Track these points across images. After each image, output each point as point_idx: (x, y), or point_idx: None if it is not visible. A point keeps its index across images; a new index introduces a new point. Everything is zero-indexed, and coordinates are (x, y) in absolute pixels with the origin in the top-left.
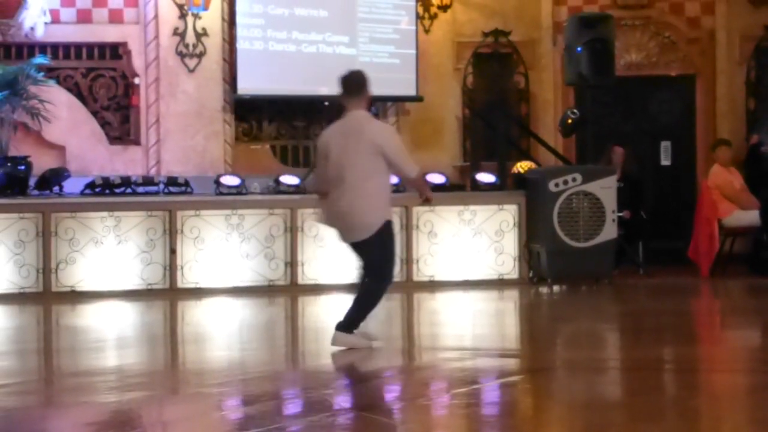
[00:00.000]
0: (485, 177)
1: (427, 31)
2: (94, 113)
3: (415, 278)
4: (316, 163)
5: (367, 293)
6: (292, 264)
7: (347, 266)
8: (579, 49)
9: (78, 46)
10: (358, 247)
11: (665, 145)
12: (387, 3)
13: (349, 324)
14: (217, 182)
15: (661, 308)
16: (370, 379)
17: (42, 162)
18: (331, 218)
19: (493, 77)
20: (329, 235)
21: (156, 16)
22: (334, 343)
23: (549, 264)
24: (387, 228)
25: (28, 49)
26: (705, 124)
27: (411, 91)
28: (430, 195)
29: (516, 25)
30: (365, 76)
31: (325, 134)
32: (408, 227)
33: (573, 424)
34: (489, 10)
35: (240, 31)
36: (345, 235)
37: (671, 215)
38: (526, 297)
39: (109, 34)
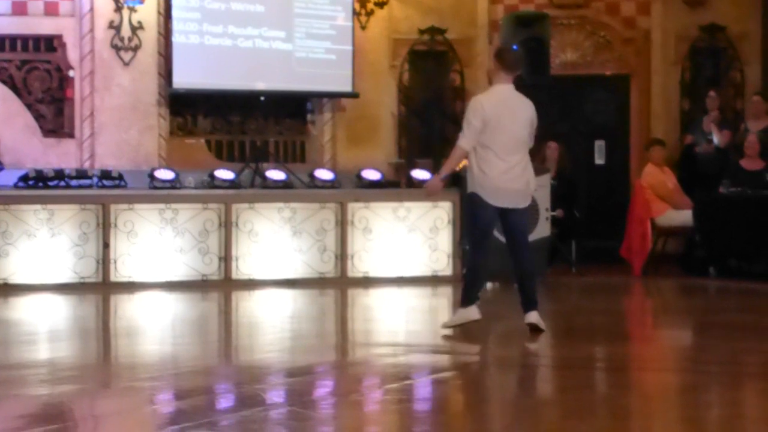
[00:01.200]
0: (420, 174)
1: (363, 28)
2: (28, 106)
3: (350, 274)
4: (472, 127)
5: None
6: (226, 259)
7: (281, 262)
8: (515, 47)
9: (12, 38)
10: (518, 213)
11: (599, 145)
12: None
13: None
14: (152, 176)
15: (593, 307)
16: (303, 375)
17: None
18: (502, 182)
19: (428, 74)
20: (264, 230)
21: (91, 9)
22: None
23: None
24: None
25: None
26: (639, 124)
27: (347, 88)
28: None
29: (452, 23)
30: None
31: (484, 103)
32: (343, 223)
33: (504, 421)
34: (425, 7)
35: (176, 25)
36: (514, 200)
37: (605, 214)
38: (459, 294)
39: (44, 26)
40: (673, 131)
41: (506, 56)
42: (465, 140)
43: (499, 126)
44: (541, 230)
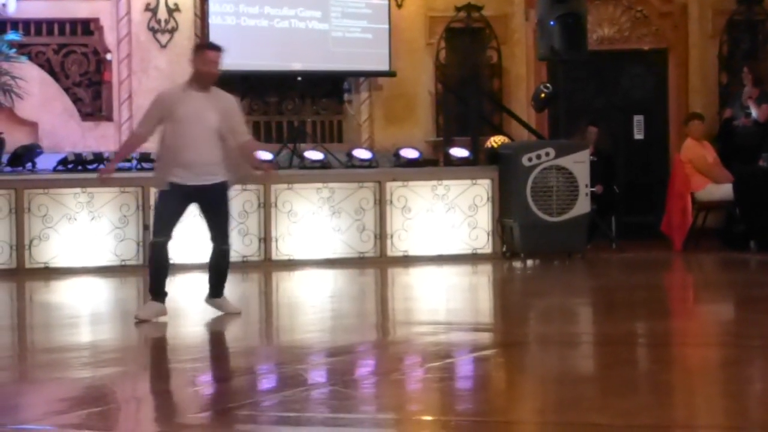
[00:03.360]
0: (458, 152)
1: (399, 6)
2: (66, 89)
3: (389, 253)
4: None
5: None
6: (265, 239)
7: (320, 242)
8: (551, 23)
9: (50, 22)
10: None
11: (638, 120)
12: None
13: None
14: None
15: (633, 282)
16: (344, 354)
17: (14, 138)
18: None
19: (465, 52)
20: (302, 210)
21: None
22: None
23: (522, 238)
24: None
25: (0, 25)
26: (677, 99)
27: (384, 66)
28: None
29: (488, 0)
30: None
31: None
32: (381, 202)
33: (545, 398)
34: None
35: (212, 7)
36: None
37: (644, 189)
38: (500, 271)
39: (81, 9)
40: (711, 105)
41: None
42: (137, 128)
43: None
44: (581, 206)
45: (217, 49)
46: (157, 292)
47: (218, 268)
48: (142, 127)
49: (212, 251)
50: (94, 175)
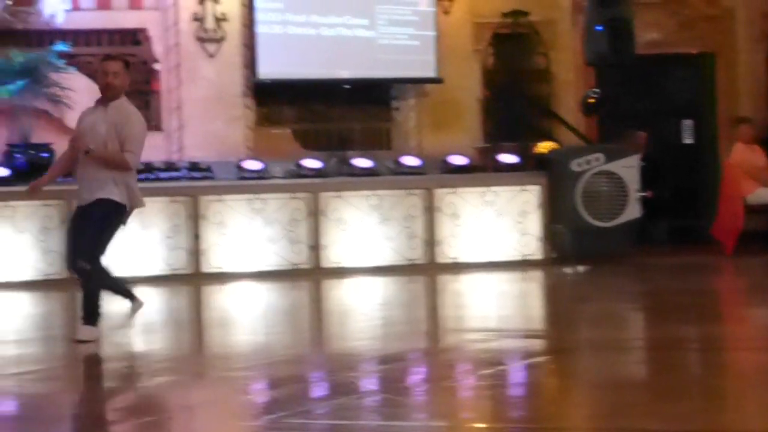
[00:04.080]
0: (507, 158)
1: (446, 13)
2: None
3: (438, 260)
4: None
5: None
6: (315, 247)
7: (370, 249)
8: (598, 28)
9: (98, 33)
10: None
11: (686, 124)
12: None
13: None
14: (239, 167)
15: (684, 287)
16: (395, 361)
17: (64, 149)
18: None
19: (512, 58)
20: (351, 218)
21: (175, 2)
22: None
23: (572, 244)
24: None
25: (48, 36)
26: (726, 102)
27: (431, 73)
28: None
29: (535, 6)
30: None
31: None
32: (430, 209)
33: (597, 404)
34: None
35: (259, 16)
36: None
37: (693, 194)
38: (550, 277)
39: (129, 20)
40: (760, 109)
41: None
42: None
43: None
44: (631, 211)
45: (112, 59)
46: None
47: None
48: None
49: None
50: (144, 185)
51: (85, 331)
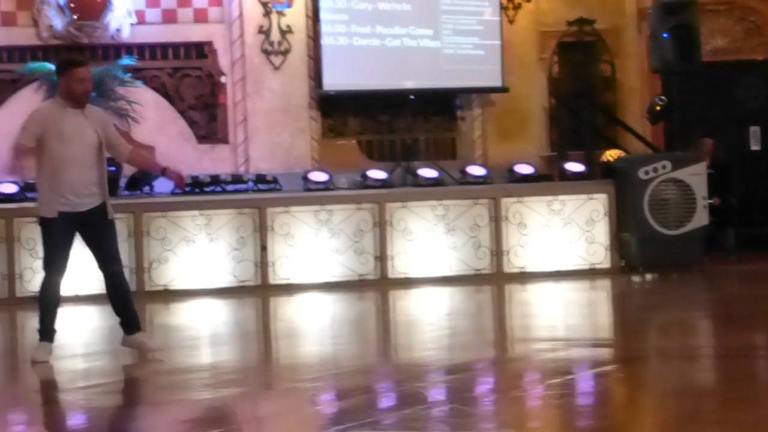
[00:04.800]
0: (573, 166)
1: (511, 22)
2: (181, 113)
3: (505, 270)
4: None
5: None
6: (381, 258)
7: (436, 259)
8: (664, 35)
9: (163, 46)
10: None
11: (754, 131)
12: None
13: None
14: (305, 178)
15: (753, 295)
16: (463, 372)
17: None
18: None
19: (578, 66)
20: (417, 228)
21: (240, 15)
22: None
23: (640, 252)
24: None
25: (114, 50)
26: None
27: (496, 82)
28: None
29: (600, 13)
30: None
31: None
32: (497, 219)
33: (667, 413)
34: None
35: (324, 27)
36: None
37: (762, 200)
38: (618, 286)
39: (195, 33)
40: None
41: None
42: (22, 140)
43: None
44: (699, 219)
45: (83, 64)
46: (47, 331)
47: (118, 296)
48: (23, 140)
49: (105, 279)
50: (211, 198)
51: (146, 342)
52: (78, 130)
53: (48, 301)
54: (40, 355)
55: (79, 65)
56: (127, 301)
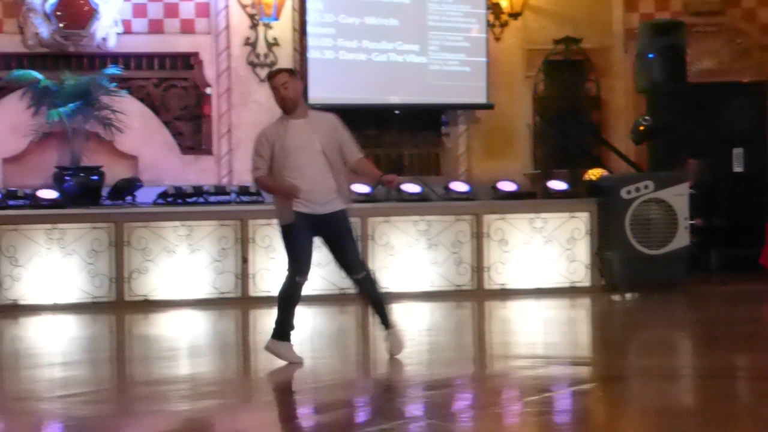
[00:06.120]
0: (557, 185)
1: (497, 39)
2: (167, 123)
3: (486, 286)
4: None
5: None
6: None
7: (417, 274)
8: (651, 55)
9: (150, 57)
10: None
11: (737, 152)
12: (457, 11)
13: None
14: None
15: (734, 316)
16: (442, 387)
17: (115, 172)
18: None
19: (564, 85)
20: (399, 243)
21: (227, 26)
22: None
23: (621, 271)
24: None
25: (100, 59)
26: None
27: (481, 99)
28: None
29: (587, 33)
30: None
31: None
32: (479, 235)
33: None
34: (560, 17)
35: (311, 41)
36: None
37: (744, 222)
38: (599, 305)
39: (181, 44)
40: None
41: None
42: (254, 171)
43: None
44: (681, 239)
45: (277, 72)
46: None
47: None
48: (255, 173)
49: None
50: (193, 209)
51: (399, 336)
52: (302, 140)
53: (287, 302)
54: (294, 357)
55: (274, 74)
56: (375, 303)
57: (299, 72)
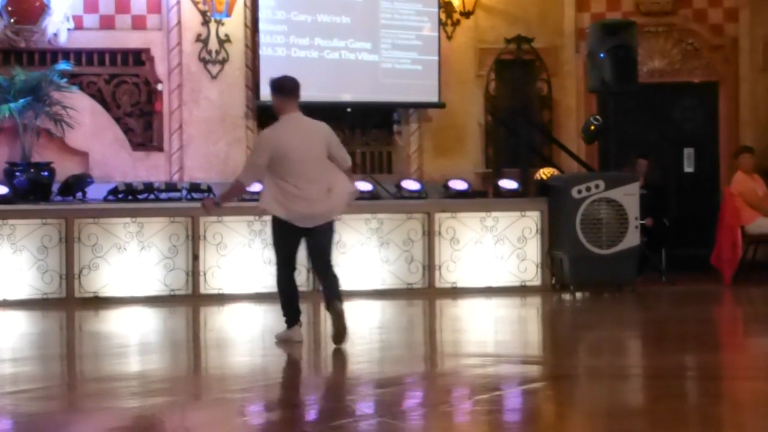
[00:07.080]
0: (508, 184)
1: (449, 38)
2: (117, 119)
3: (437, 284)
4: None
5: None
6: (311, 270)
7: (368, 272)
8: (602, 55)
9: (101, 53)
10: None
11: (688, 153)
12: (409, 9)
13: None
14: None
15: (683, 315)
16: (392, 386)
17: (65, 168)
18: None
19: (515, 84)
20: (351, 240)
21: (179, 23)
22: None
23: (571, 271)
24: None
25: (51, 55)
26: (728, 132)
27: (433, 98)
28: None
29: (539, 32)
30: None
31: (270, 138)
32: (430, 233)
33: (595, 431)
34: (511, 16)
35: (263, 38)
36: (311, 221)
37: (694, 222)
38: (549, 304)
39: (132, 40)
40: (762, 138)
41: (285, 85)
42: (243, 177)
43: (292, 158)
44: (631, 239)
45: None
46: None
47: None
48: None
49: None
50: (144, 205)
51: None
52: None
53: (284, 292)
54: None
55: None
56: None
57: (252, 68)
